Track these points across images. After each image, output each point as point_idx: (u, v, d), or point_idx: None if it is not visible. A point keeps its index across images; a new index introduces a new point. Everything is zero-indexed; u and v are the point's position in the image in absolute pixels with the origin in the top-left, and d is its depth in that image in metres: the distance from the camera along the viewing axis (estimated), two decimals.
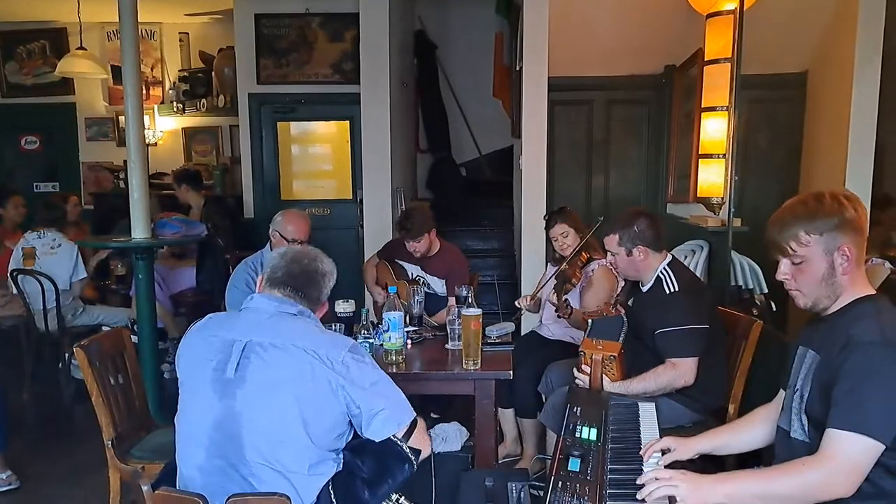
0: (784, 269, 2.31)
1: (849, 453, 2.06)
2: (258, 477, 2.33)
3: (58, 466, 4.82)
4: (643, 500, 2.16)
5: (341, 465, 2.49)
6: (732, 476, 2.27)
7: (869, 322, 2.16)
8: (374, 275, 5.34)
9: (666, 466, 2.49)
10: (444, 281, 5.10)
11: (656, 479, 2.18)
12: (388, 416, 2.45)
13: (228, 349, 2.41)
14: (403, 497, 2.63)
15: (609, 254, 3.78)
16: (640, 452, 2.58)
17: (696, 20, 5.27)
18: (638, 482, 2.21)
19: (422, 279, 5.05)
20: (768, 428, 2.58)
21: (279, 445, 2.35)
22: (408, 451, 2.49)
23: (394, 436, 2.47)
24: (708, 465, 3.31)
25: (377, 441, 2.46)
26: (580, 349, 3.55)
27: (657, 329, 3.51)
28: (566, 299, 4.28)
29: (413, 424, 2.53)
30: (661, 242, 3.71)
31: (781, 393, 2.55)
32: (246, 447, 2.34)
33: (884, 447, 2.05)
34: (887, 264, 4.60)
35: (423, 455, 2.58)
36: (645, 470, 2.43)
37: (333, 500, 2.40)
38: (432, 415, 5.35)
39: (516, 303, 4.65)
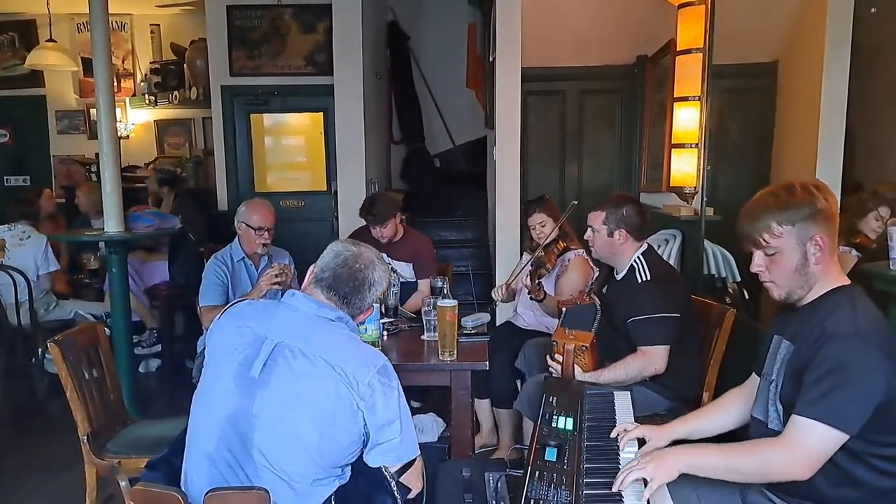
0: (758, 261, 2.34)
1: (812, 441, 2.10)
2: (261, 479, 2.27)
3: (33, 462, 4.79)
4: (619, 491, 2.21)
5: (346, 479, 2.43)
6: (694, 448, 2.35)
7: (843, 313, 2.18)
8: None
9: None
10: (411, 265, 5.09)
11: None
12: (389, 448, 2.38)
13: (258, 346, 2.35)
14: None
15: (589, 229, 3.79)
16: (612, 434, 2.63)
17: (668, 10, 5.29)
18: (614, 489, 2.24)
19: (389, 266, 5.04)
20: (740, 409, 2.63)
21: (286, 457, 2.29)
22: (394, 488, 2.41)
23: (385, 468, 2.40)
24: None
25: (370, 466, 2.41)
26: (553, 339, 3.57)
27: (629, 317, 3.55)
28: (539, 282, 4.31)
29: (411, 462, 2.47)
30: (643, 233, 3.75)
31: (754, 377, 2.59)
32: (254, 449, 2.28)
33: (847, 437, 2.09)
34: (854, 252, 4.62)
35: (413, 493, 2.50)
36: (622, 458, 2.48)
37: None
38: (412, 403, 5.36)
39: (493, 293, 4.65)
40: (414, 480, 2.50)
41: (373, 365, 2.36)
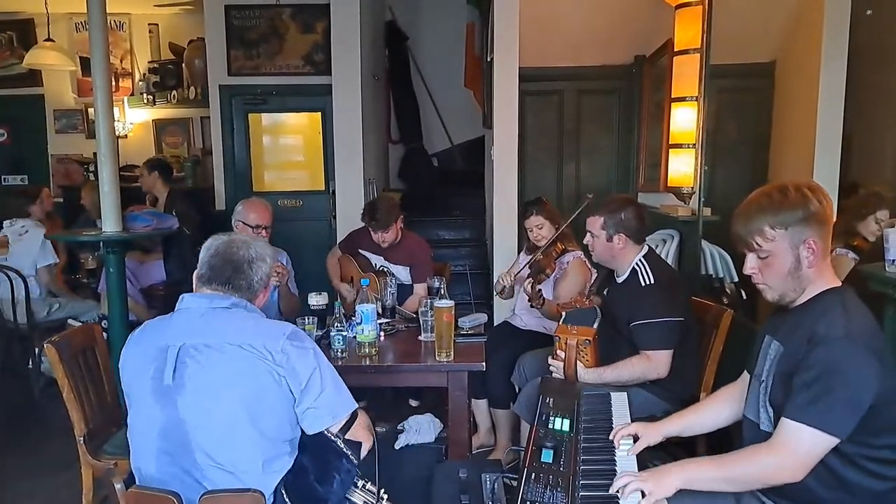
0: (751, 264, 2.33)
1: (803, 445, 2.11)
2: (211, 480, 2.30)
3: (29, 462, 4.79)
4: (616, 493, 2.22)
5: (296, 455, 2.47)
6: (691, 462, 2.35)
7: (835, 317, 2.17)
8: (337, 271, 5.31)
9: (638, 455, 2.53)
10: (407, 269, 5.08)
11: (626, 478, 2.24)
12: (320, 410, 2.43)
13: (163, 356, 2.36)
14: (370, 483, 2.57)
15: (589, 234, 3.77)
16: (610, 437, 2.62)
17: (666, 10, 5.30)
18: (612, 490, 2.24)
19: (386, 269, 5.04)
20: (732, 406, 2.64)
21: (229, 447, 2.31)
22: (343, 446, 2.45)
23: (328, 430, 2.45)
24: (678, 450, 3.35)
25: (311, 435, 2.45)
26: (555, 334, 3.56)
27: (632, 321, 3.53)
28: (539, 289, 4.30)
29: (353, 417, 2.51)
30: (643, 235, 3.74)
31: (746, 375, 2.60)
32: (195, 452, 2.31)
33: (837, 440, 2.09)
34: (851, 254, 4.60)
35: (366, 448, 2.55)
36: (617, 455, 2.49)
37: (287, 501, 2.37)
38: (411, 401, 5.38)
39: (496, 285, 4.64)
40: (362, 434, 2.54)
41: (281, 333, 2.40)
